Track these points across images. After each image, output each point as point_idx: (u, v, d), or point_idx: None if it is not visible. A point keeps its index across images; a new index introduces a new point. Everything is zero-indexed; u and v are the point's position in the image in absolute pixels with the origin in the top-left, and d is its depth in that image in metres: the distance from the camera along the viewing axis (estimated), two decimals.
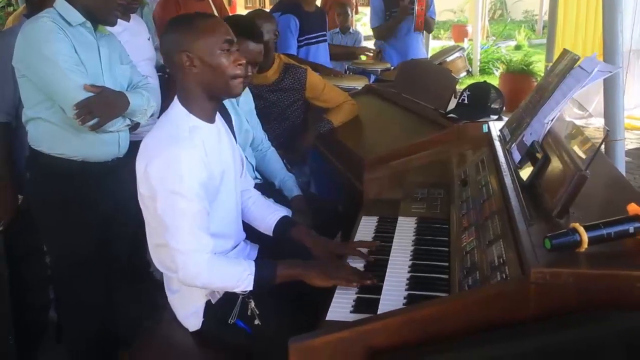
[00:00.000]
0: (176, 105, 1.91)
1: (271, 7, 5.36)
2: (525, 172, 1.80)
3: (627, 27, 6.08)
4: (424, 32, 5.31)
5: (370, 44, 5.47)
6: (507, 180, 1.83)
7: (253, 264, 1.86)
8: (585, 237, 1.30)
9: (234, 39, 1.89)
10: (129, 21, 3.06)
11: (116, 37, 2.59)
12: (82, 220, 2.44)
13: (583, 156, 1.54)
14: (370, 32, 5.28)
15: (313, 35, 4.55)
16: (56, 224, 2.45)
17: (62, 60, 2.23)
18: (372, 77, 4.79)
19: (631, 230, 1.33)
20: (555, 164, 1.65)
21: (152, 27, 3.79)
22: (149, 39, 3.25)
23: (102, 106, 2.28)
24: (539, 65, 7.62)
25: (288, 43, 4.32)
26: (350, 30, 6.21)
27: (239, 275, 1.82)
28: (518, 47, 11.89)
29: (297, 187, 2.86)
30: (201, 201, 1.81)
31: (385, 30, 5.01)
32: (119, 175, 2.50)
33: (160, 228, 1.84)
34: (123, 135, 2.51)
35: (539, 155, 1.75)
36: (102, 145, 2.43)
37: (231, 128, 2.13)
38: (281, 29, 4.31)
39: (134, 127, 2.52)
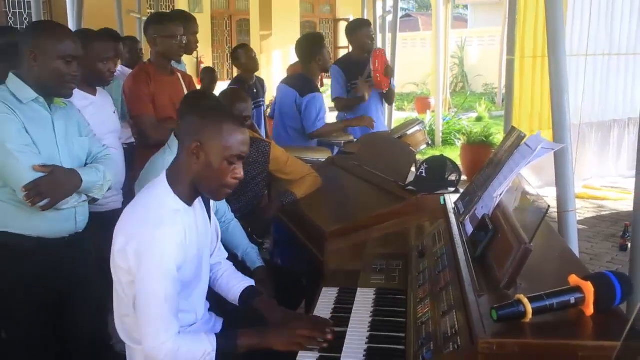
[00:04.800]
0: (162, 182, 1.95)
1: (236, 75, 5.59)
2: (478, 245, 1.87)
3: (580, 101, 6.38)
4: (386, 104, 5.49)
5: (333, 115, 5.62)
6: (460, 251, 1.90)
7: (214, 338, 1.89)
8: (529, 308, 1.37)
9: (244, 155, 1.94)
10: (95, 95, 3.13)
11: (75, 107, 2.59)
12: (37, 300, 2.40)
13: (530, 229, 1.62)
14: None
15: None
16: (9, 303, 2.40)
17: (10, 142, 2.22)
18: (336, 149, 4.90)
19: (572, 300, 1.40)
20: (503, 237, 1.72)
21: (120, 98, 3.88)
22: (114, 112, 3.32)
23: (51, 186, 2.27)
24: (499, 137, 7.86)
25: None
26: None
27: (203, 351, 1.86)
28: (479, 119, 12.26)
29: (260, 258, 2.88)
30: (175, 285, 1.86)
31: (344, 105, 5.17)
32: (77, 250, 2.48)
33: (129, 301, 1.89)
34: (80, 210, 2.48)
35: (487, 229, 1.83)
36: (58, 222, 2.41)
37: (207, 204, 2.16)
38: None
39: (93, 200, 2.52)
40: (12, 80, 2.35)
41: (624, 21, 7.35)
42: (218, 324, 2.23)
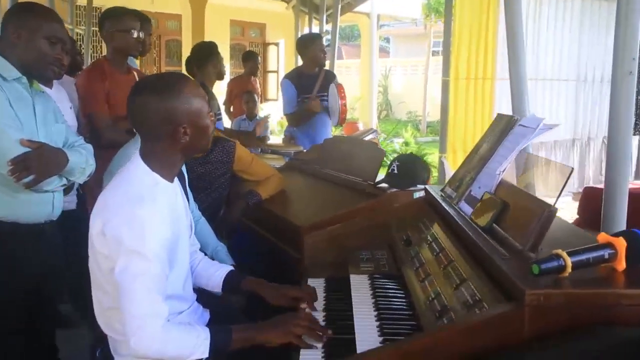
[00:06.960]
0: (137, 161, 1.83)
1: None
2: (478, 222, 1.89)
3: None
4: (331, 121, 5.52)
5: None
6: (467, 228, 1.89)
7: (207, 330, 1.77)
8: (569, 261, 1.38)
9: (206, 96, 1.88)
10: (51, 88, 2.98)
11: (50, 96, 2.50)
12: (10, 286, 2.25)
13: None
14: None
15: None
16: None
17: None
18: (286, 159, 4.86)
19: (606, 255, 1.43)
20: (517, 207, 1.74)
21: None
22: (70, 108, 3.17)
23: (39, 162, 2.15)
24: (433, 157, 8.08)
25: None
26: (257, 117, 6.35)
27: (194, 342, 1.72)
28: (406, 144, 12.58)
29: (229, 256, 2.81)
30: (161, 264, 1.72)
31: (297, 118, 5.15)
32: (51, 240, 2.34)
33: (114, 290, 1.73)
34: (57, 196, 2.38)
35: (494, 203, 1.85)
36: (35, 206, 2.29)
37: (184, 187, 2.07)
38: None
39: (69, 188, 2.39)
40: None
41: (548, 49, 7.81)
42: (205, 314, 2.12)
